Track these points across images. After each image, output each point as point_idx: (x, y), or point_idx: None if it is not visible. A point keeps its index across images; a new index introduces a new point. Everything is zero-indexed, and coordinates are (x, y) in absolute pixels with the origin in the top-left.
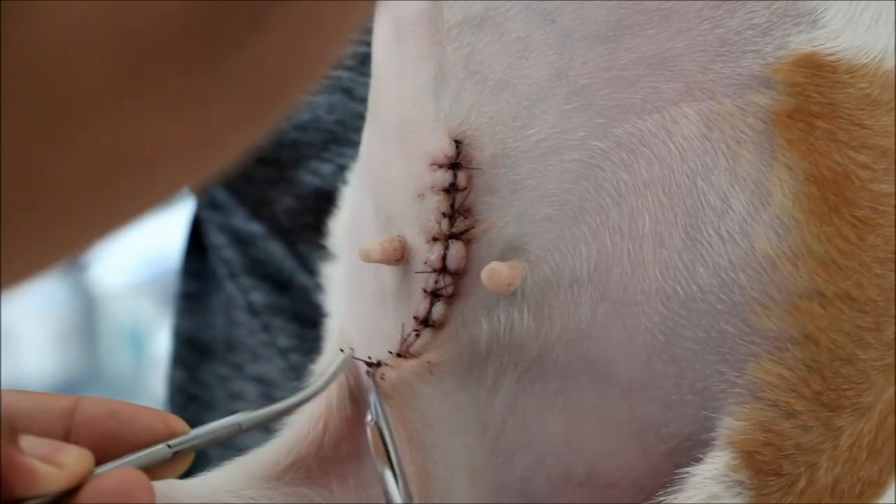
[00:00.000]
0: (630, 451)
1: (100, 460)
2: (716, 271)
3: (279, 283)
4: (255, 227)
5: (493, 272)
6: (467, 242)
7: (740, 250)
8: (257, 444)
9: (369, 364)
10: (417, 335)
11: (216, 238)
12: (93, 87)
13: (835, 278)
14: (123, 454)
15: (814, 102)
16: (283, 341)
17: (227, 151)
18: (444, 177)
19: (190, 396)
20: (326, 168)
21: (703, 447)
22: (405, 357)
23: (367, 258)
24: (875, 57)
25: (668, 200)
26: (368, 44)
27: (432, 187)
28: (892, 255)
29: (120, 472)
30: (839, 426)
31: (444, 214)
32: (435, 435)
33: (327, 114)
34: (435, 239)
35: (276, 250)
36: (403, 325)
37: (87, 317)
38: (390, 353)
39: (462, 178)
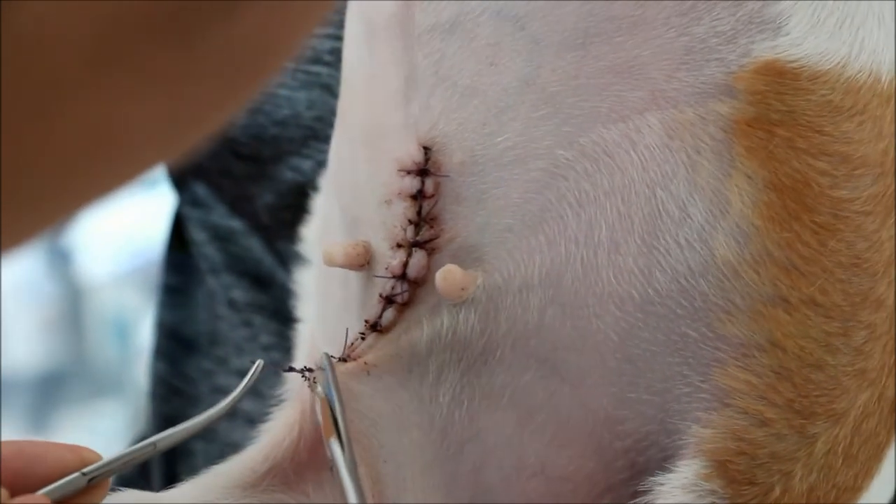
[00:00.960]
0: (583, 445)
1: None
2: (674, 277)
3: (259, 280)
4: (234, 224)
5: (448, 274)
6: (430, 252)
7: (699, 257)
8: (245, 437)
9: (302, 372)
10: (363, 338)
11: (197, 234)
12: (69, 65)
13: (798, 284)
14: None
15: (773, 110)
16: (264, 339)
17: (202, 129)
18: (411, 183)
19: (173, 389)
20: (306, 164)
21: (666, 451)
22: (346, 361)
23: (329, 262)
24: (838, 63)
25: (626, 209)
26: None
27: (399, 193)
28: (855, 260)
29: (27, 498)
30: (813, 433)
31: (410, 221)
32: (380, 434)
33: (307, 110)
34: (399, 245)
35: (255, 246)
36: (347, 329)
37: (73, 307)
38: (333, 357)
39: (430, 185)
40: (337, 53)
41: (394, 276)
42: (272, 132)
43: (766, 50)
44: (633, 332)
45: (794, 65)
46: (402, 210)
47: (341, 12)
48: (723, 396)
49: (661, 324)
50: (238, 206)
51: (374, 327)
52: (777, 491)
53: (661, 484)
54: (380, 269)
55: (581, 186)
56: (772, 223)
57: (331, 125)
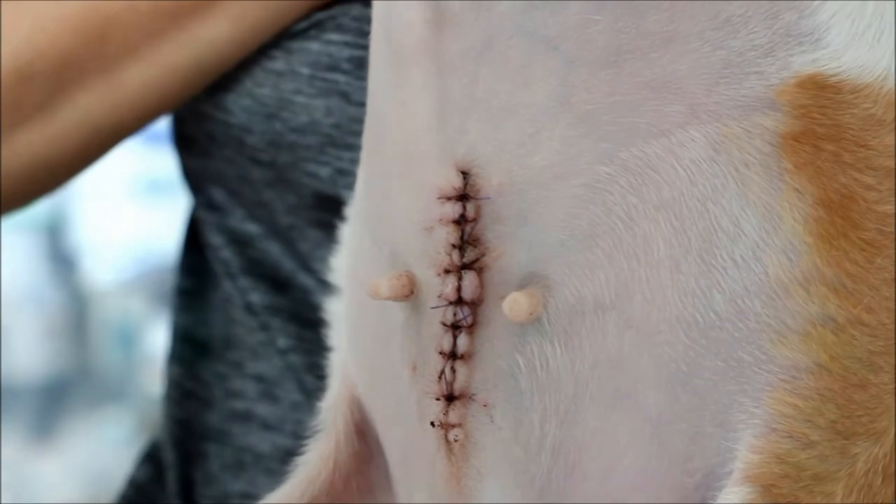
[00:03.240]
0: (659, 487)
1: None
2: (731, 297)
3: (277, 283)
4: (252, 228)
5: (514, 303)
6: (479, 271)
7: (754, 276)
8: (259, 441)
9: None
10: (453, 370)
11: (213, 238)
12: None
13: (846, 303)
14: None
15: (819, 124)
16: (282, 342)
17: None
18: (453, 209)
19: (187, 393)
20: (324, 171)
21: (725, 479)
22: (456, 399)
23: (375, 296)
24: (878, 76)
25: (680, 224)
26: (364, 47)
27: (441, 220)
28: None
29: None
30: (854, 453)
31: (454, 246)
32: (485, 490)
33: (325, 117)
34: (447, 271)
35: (274, 250)
36: (444, 369)
37: (77, 314)
38: (437, 399)
39: (471, 208)
40: (355, 61)
41: (450, 303)
42: (290, 139)
43: (806, 63)
44: (698, 361)
45: (835, 78)
46: (445, 235)
47: (359, 19)
48: (771, 421)
49: (721, 349)
50: (256, 210)
51: (454, 356)
52: None
53: None
54: (426, 299)
55: (628, 200)
56: (822, 240)
57: (348, 132)
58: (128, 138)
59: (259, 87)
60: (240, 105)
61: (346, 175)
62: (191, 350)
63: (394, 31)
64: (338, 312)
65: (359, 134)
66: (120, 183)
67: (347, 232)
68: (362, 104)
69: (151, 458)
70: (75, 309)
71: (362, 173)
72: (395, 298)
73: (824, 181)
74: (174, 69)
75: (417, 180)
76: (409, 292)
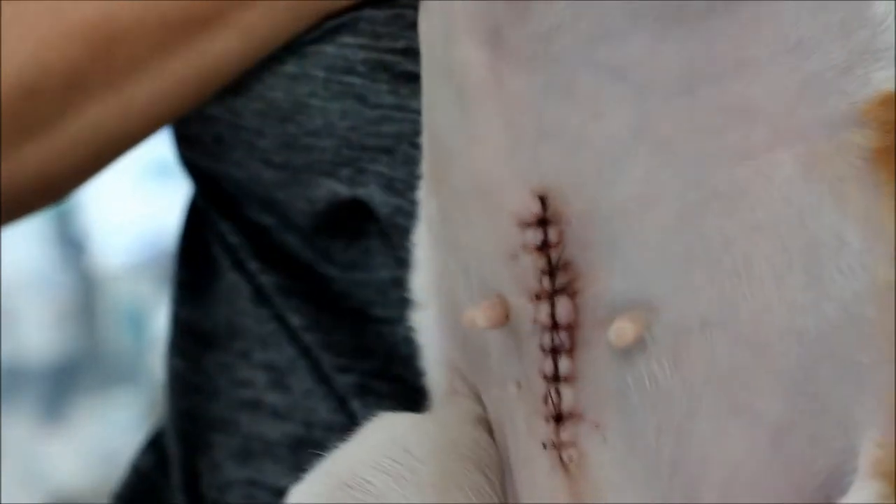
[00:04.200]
0: (784, 492)
1: None
2: (842, 305)
3: (293, 267)
4: (267, 219)
5: (620, 330)
6: (572, 295)
7: (862, 283)
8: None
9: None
10: (558, 393)
11: (220, 225)
12: None
13: None
14: None
15: None
16: (295, 321)
17: None
18: (534, 235)
19: (190, 385)
20: (341, 173)
21: (850, 475)
22: (565, 419)
23: (472, 327)
24: None
25: (779, 241)
26: (379, 50)
27: (524, 246)
28: None
29: None
30: None
31: (542, 272)
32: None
33: (340, 120)
34: (538, 297)
35: (292, 241)
36: (550, 391)
37: (87, 298)
38: (546, 420)
39: (553, 234)
40: (370, 64)
41: (546, 328)
42: (304, 142)
43: (886, 79)
44: (814, 368)
45: None
46: (531, 262)
47: (373, 22)
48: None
49: (837, 355)
50: (271, 206)
51: (557, 378)
52: None
53: None
54: (521, 323)
55: (723, 223)
56: None
57: (365, 135)
58: (140, 144)
59: (271, 91)
60: (251, 109)
61: (364, 175)
62: (192, 342)
63: (454, 70)
64: (424, 322)
65: (375, 136)
66: (129, 166)
67: (422, 253)
68: (378, 106)
69: (155, 445)
70: (84, 292)
71: (432, 204)
72: (493, 327)
73: None
74: (183, 82)
75: (495, 209)
76: (505, 318)
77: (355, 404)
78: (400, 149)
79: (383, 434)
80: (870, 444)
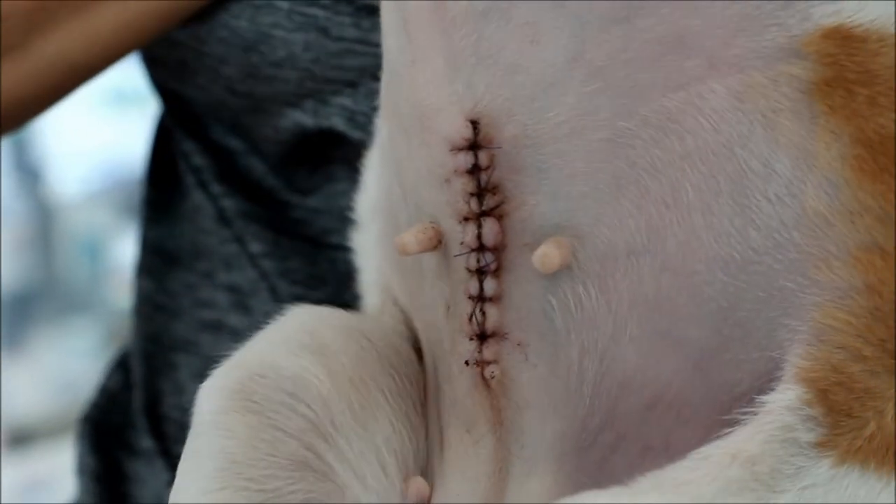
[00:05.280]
0: (705, 417)
1: None
2: (768, 233)
3: (254, 192)
4: (234, 143)
5: (544, 256)
6: (499, 218)
7: (791, 211)
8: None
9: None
10: (483, 312)
11: (185, 145)
12: None
13: (893, 233)
14: None
15: (849, 71)
16: (255, 247)
17: None
18: (465, 159)
19: (156, 306)
20: (304, 104)
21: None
22: (489, 337)
23: (404, 252)
24: None
25: (707, 170)
26: None
27: (455, 171)
28: None
29: None
30: None
31: (471, 194)
32: (525, 421)
33: (303, 52)
34: (466, 219)
35: (256, 166)
36: (475, 310)
37: (43, 227)
38: (470, 338)
39: (483, 157)
40: None
41: (472, 250)
42: (267, 72)
43: (828, 14)
44: (739, 296)
45: (859, 29)
46: (461, 186)
47: None
48: (820, 334)
49: (761, 281)
50: (238, 129)
51: (482, 299)
52: (872, 427)
53: (765, 403)
54: (454, 247)
55: (652, 152)
56: (863, 175)
57: (327, 67)
58: (102, 73)
59: (235, 20)
60: (215, 36)
61: (328, 108)
62: (159, 262)
63: None
64: (363, 243)
65: (338, 69)
66: (86, 94)
67: (371, 177)
68: (341, 39)
69: (122, 366)
70: (41, 221)
71: (384, 129)
72: (424, 251)
73: (862, 122)
74: (149, 8)
75: (431, 135)
76: (437, 243)
77: None
78: (363, 82)
79: (296, 323)
80: (794, 359)
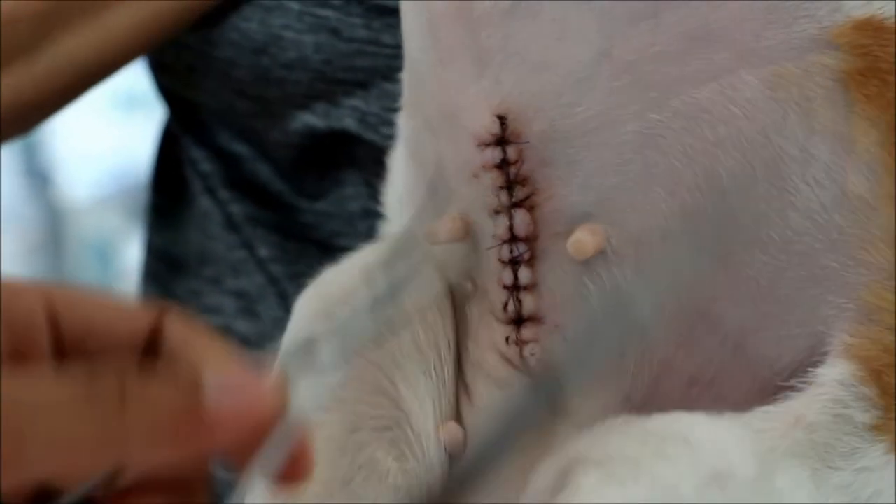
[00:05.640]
0: (746, 391)
1: None
2: (808, 214)
3: (262, 197)
4: (241, 148)
5: (578, 244)
6: (530, 209)
7: (830, 194)
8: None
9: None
10: (519, 301)
11: (193, 151)
12: None
13: None
14: None
15: (883, 61)
16: (263, 252)
17: None
18: (493, 154)
19: None
20: (315, 106)
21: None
22: (525, 321)
23: (433, 241)
24: None
25: (741, 156)
26: None
27: (484, 165)
28: None
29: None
30: None
31: (500, 187)
32: (566, 395)
33: (314, 53)
34: (497, 212)
35: (263, 171)
36: (512, 296)
37: (53, 231)
38: (506, 324)
39: (512, 152)
40: None
41: (504, 241)
42: (278, 74)
43: (858, 7)
44: (778, 274)
45: (890, 21)
46: (491, 180)
47: None
48: (869, 313)
49: (803, 260)
50: (244, 134)
51: (517, 288)
52: None
53: (817, 375)
54: (484, 240)
55: (684, 140)
56: None
57: (339, 69)
58: (112, 76)
59: (246, 22)
60: (226, 39)
61: (339, 109)
62: (165, 268)
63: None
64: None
65: (349, 70)
66: (96, 98)
67: (397, 170)
68: (352, 40)
69: None
70: (51, 224)
71: (408, 127)
72: (453, 241)
73: None
74: (160, 12)
75: (459, 131)
76: (465, 234)
77: None
78: (374, 83)
79: (359, 260)
80: (841, 335)
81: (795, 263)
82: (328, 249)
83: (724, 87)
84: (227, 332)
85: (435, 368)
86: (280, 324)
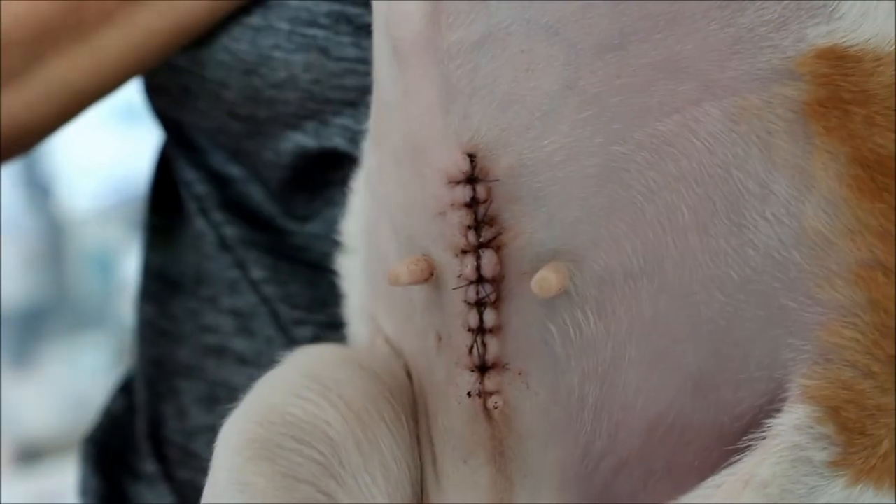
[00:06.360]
0: (706, 438)
1: None
2: (767, 252)
3: (254, 220)
4: (234, 170)
5: (542, 281)
6: (497, 249)
7: (790, 230)
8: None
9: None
10: (484, 344)
11: (187, 174)
12: None
13: (894, 249)
14: None
15: (845, 91)
16: (256, 273)
17: None
18: (463, 192)
19: (160, 331)
20: (305, 126)
21: (776, 414)
22: (490, 369)
23: (395, 283)
24: None
25: (703, 191)
26: (341, 2)
27: (452, 204)
28: None
29: None
30: None
31: (468, 227)
32: (526, 449)
33: (303, 72)
34: (464, 252)
35: (255, 193)
36: (475, 342)
37: (54, 242)
38: (471, 370)
39: (481, 190)
40: (333, 16)
41: (471, 282)
42: (268, 94)
43: (822, 35)
44: (738, 315)
45: (854, 49)
46: (458, 219)
47: None
48: (827, 352)
49: (760, 301)
50: (237, 156)
51: (482, 331)
52: (886, 444)
53: (772, 426)
54: (449, 280)
55: (647, 175)
56: (862, 194)
57: (328, 88)
58: (105, 98)
59: (236, 43)
60: (216, 60)
61: (329, 128)
62: (162, 287)
63: (392, 24)
64: (351, 268)
65: (339, 89)
66: (97, 109)
67: (358, 202)
68: (341, 59)
69: (126, 389)
70: (52, 236)
71: (373, 158)
72: (416, 283)
73: (858, 142)
74: (152, 34)
75: (426, 167)
76: (429, 275)
77: None
78: (363, 102)
79: (298, 366)
80: (799, 379)
81: (753, 304)
82: (319, 270)
83: (688, 119)
84: (223, 350)
85: (408, 441)
86: (273, 342)
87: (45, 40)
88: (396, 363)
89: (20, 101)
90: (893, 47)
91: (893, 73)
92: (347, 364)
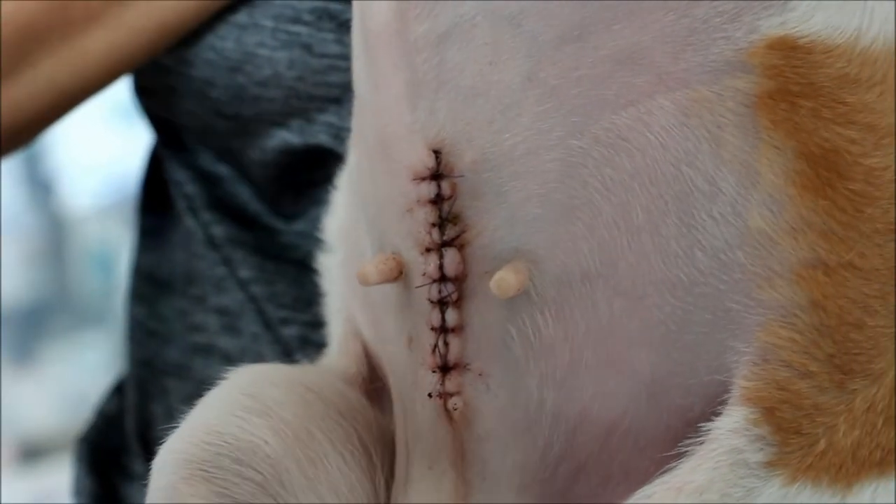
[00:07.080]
0: (661, 443)
1: None
2: (713, 253)
3: (242, 219)
4: (221, 169)
5: (501, 281)
6: (461, 248)
7: (735, 230)
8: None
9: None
10: (446, 344)
11: (177, 174)
12: None
13: (837, 248)
14: None
15: (793, 83)
16: (243, 273)
17: None
18: (428, 189)
19: (148, 332)
20: (290, 123)
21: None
22: (451, 369)
23: (365, 283)
24: (850, 36)
25: (656, 190)
26: None
27: (418, 201)
28: (892, 227)
29: None
30: (853, 389)
31: (433, 225)
32: (486, 452)
33: (287, 70)
34: (428, 250)
35: (242, 192)
36: (438, 342)
37: (55, 240)
38: (433, 370)
39: (446, 187)
40: (317, 12)
41: (434, 280)
42: (253, 92)
43: (774, 26)
44: (687, 318)
45: (805, 40)
46: (424, 216)
47: None
48: (765, 353)
49: (708, 304)
50: (225, 155)
51: (444, 330)
52: (822, 444)
53: (711, 430)
54: (415, 278)
55: (603, 171)
56: (806, 191)
57: (312, 84)
58: (93, 97)
59: (222, 41)
60: (202, 58)
61: (314, 125)
62: (152, 288)
63: (364, 18)
64: (331, 267)
65: (322, 85)
66: (97, 108)
67: (340, 199)
68: (324, 56)
69: (119, 390)
70: (53, 234)
71: (353, 152)
72: (385, 282)
73: (804, 136)
74: (138, 33)
75: (394, 163)
76: (398, 274)
77: (298, 355)
78: (347, 99)
79: (238, 385)
80: (740, 380)
81: (701, 307)
82: (305, 269)
83: (642, 112)
84: (210, 349)
85: (358, 459)
86: (259, 339)
87: (31, 40)
88: (350, 380)
89: (7, 100)
90: (843, 40)
91: (841, 65)
92: (290, 384)
